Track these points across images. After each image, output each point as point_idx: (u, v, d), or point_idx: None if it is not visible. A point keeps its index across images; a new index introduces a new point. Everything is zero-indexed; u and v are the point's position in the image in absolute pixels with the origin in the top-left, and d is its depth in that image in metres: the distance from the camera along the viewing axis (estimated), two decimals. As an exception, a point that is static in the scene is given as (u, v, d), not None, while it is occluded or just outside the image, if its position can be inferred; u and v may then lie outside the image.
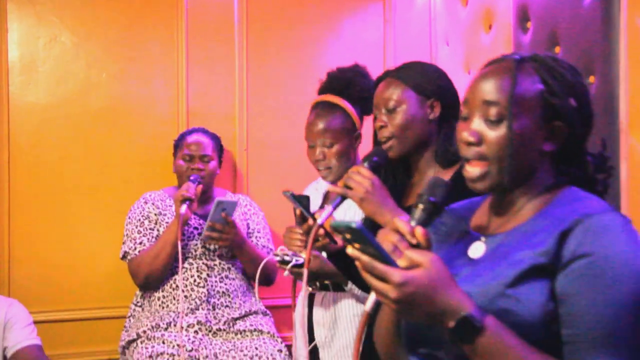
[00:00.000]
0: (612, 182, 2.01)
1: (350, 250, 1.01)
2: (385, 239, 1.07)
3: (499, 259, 1.11)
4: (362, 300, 2.05)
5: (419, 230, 1.07)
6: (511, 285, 1.04)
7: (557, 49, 2.30)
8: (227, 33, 3.01)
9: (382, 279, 0.99)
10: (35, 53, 2.81)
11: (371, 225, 1.65)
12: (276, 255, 1.95)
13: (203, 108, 2.97)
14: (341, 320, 2.08)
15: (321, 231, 1.71)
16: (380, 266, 0.98)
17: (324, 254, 1.90)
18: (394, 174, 1.81)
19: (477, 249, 1.17)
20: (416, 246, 1.06)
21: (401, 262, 1.01)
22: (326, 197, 2.27)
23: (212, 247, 2.59)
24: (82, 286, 2.82)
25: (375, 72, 2.02)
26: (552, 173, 1.17)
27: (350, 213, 2.05)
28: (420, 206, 1.11)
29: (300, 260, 1.88)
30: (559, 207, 1.12)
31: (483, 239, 1.18)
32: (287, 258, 1.92)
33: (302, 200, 1.87)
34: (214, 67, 2.99)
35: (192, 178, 2.53)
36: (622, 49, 2.09)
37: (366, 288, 1.78)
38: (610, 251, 1.02)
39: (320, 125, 2.11)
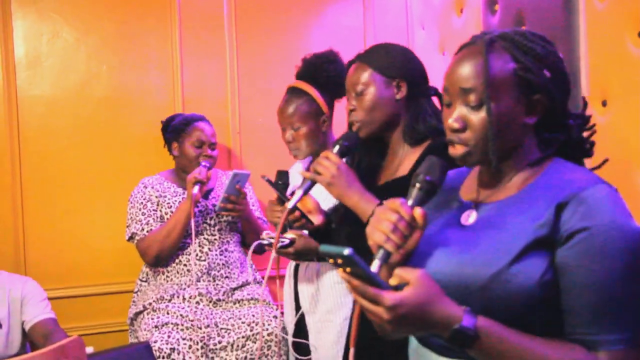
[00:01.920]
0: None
1: (340, 273, 0.99)
2: (385, 219, 1.07)
3: (497, 229, 1.10)
4: None
5: (418, 211, 1.07)
6: (515, 260, 1.04)
7: (523, 29, 2.36)
8: (218, 23, 3.05)
9: (374, 301, 0.98)
10: (39, 49, 2.85)
11: (345, 210, 1.68)
12: (262, 239, 2.01)
13: (197, 95, 3.01)
14: (323, 288, 2.13)
15: (297, 213, 1.74)
16: (371, 290, 0.97)
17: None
18: (369, 154, 1.81)
19: (469, 217, 1.17)
20: (413, 227, 1.07)
21: (392, 281, 1.00)
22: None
23: (212, 222, 2.65)
24: (92, 264, 2.88)
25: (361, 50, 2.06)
26: (537, 143, 1.16)
27: (324, 195, 2.07)
28: (418, 185, 1.11)
29: (286, 242, 1.94)
30: (547, 179, 1.12)
31: (474, 206, 1.17)
32: (273, 241, 1.98)
33: (282, 178, 1.95)
34: (206, 56, 3.04)
35: (203, 163, 2.58)
36: (582, 29, 2.15)
37: None
38: (607, 224, 1.02)
39: (288, 110, 2.18)
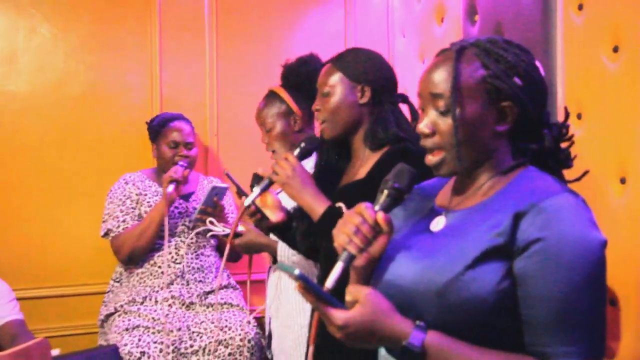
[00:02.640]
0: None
1: (297, 287, 1.02)
2: (350, 221, 1.09)
3: (458, 236, 1.10)
4: None
5: (380, 216, 1.09)
6: (471, 266, 1.04)
7: (502, 40, 2.37)
8: (198, 24, 3.03)
9: (327, 319, 1.02)
10: (16, 44, 2.80)
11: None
12: (210, 229, 2.14)
13: (175, 95, 2.99)
14: (286, 292, 2.15)
15: (253, 208, 1.80)
16: (323, 308, 1.01)
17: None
18: (338, 157, 1.84)
19: (437, 223, 1.17)
20: (377, 231, 1.09)
21: (347, 297, 1.03)
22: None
23: (190, 225, 2.63)
24: (63, 264, 2.83)
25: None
26: (510, 152, 1.16)
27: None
28: (385, 192, 1.12)
29: (225, 232, 2.04)
30: (514, 188, 1.11)
31: (444, 213, 1.18)
32: (216, 228, 2.05)
33: (258, 181, 1.98)
34: (185, 56, 3.01)
35: (180, 163, 2.57)
36: (559, 41, 2.16)
37: (306, 254, 1.85)
38: (564, 234, 1.00)
39: (261, 114, 2.29)
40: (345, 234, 1.09)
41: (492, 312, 1.03)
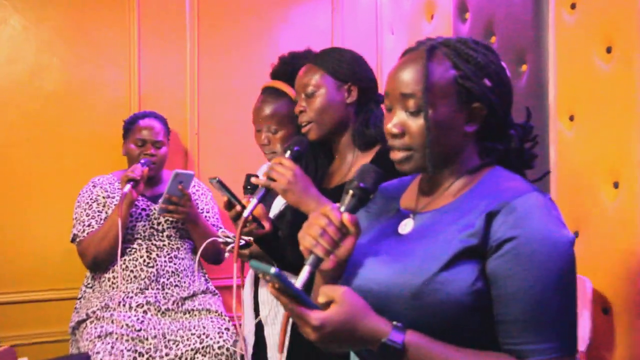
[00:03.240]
0: (542, 163, 2.13)
1: (270, 289, 1.02)
2: (315, 223, 1.10)
3: (429, 238, 1.13)
4: None
5: (346, 217, 1.10)
6: (444, 268, 1.06)
7: (493, 39, 2.40)
8: (179, 17, 3.02)
9: (302, 320, 1.02)
10: (-17, 36, 2.77)
11: (296, 214, 1.69)
12: (218, 236, 2.00)
13: (155, 92, 2.97)
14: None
15: (250, 218, 1.72)
16: (298, 309, 1.01)
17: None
18: (316, 158, 1.84)
19: (406, 226, 1.20)
20: (344, 233, 1.10)
21: (320, 299, 1.03)
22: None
23: (160, 227, 2.62)
24: (33, 269, 2.80)
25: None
26: (477, 152, 1.20)
27: (282, 201, 2.08)
28: (350, 192, 1.14)
29: (243, 242, 1.92)
30: (483, 187, 1.15)
31: (412, 215, 1.21)
32: (229, 240, 1.97)
33: (250, 181, 1.93)
34: (165, 51, 3.00)
35: (141, 161, 2.55)
36: (551, 41, 2.19)
37: (289, 269, 1.82)
38: (535, 233, 1.04)
39: (266, 111, 2.16)
40: (311, 237, 1.10)
41: (466, 312, 1.06)
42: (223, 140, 3.03)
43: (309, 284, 1.09)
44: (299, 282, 1.06)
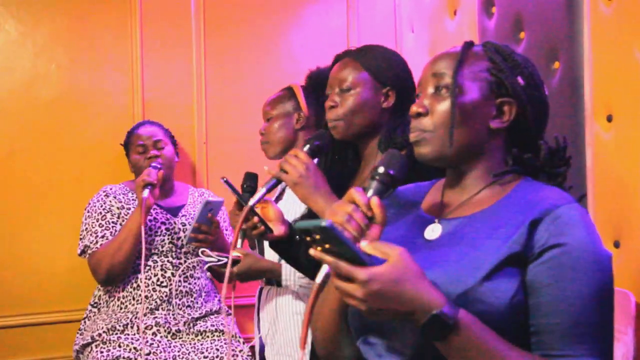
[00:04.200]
0: (579, 168, 2.10)
1: (312, 251, 1.01)
2: (341, 209, 1.10)
3: (464, 245, 1.14)
4: (303, 298, 2.11)
5: (375, 201, 1.10)
6: (487, 277, 1.08)
7: (522, 35, 2.39)
8: (184, 19, 3.04)
9: (348, 278, 0.99)
10: (-22, 43, 2.80)
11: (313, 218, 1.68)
12: (201, 257, 2.06)
13: (159, 99, 2.99)
14: (282, 317, 2.14)
15: (255, 219, 1.74)
16: (345, 266, 0.99)
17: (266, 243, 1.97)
18: (344, 159, 1.85)
19: (433, 231, 1.22)
20: (371, 218, 1.10)
21: (368, 249, 1.02)
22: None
23: (179, 242, 2.63)
24: (34, 289, 2.82)
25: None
26: (503, 155, 1.23)
27: (289, 206, 2.12)
28: (377, 178, 1.15)
29: (224, 260, 1.98)
30: (519, 196, 1.18)
31: (437, 220, 1.23)
32: (212, 259, 2.02)
33: (249, 180, 2.06)
34: (170, 55, 3.02)
35: (153, 164, 2.56)
36: (586, 35, 2.18)
37: (305, 272, 1.83)
38: (580, 243, 1.08)
39: (269, 102, 2.34)
40: (337, 223, 1.08)
41: (504, 324, 1.07)
42: (233, 149, 3.03)
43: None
44: (322, 273, 1.04)
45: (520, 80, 1.21)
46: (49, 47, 2.88)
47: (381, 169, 1.16)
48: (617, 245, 2.00)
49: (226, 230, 2.74)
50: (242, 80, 3.07)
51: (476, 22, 2.44)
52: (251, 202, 1.63)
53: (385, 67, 1.76)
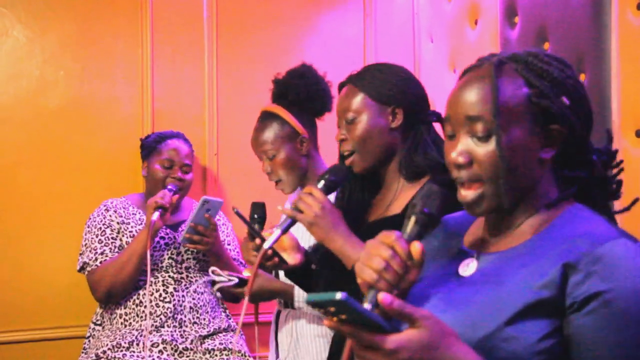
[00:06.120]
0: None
1: (327, 322, 0.98)
2: (377, 254, 1.06)
3: (493, 284, 1.10)
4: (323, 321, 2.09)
5: (417, 247, 1.06)
6: (509, 322, 1.03)
7: (546, 45, 2.38)
8: (196, 25, 3.05)
9: (372, 347, 0.97)
10: (-16, 49, 2.83)
11: (326, 249, 1.69)
12: (211, 276, 2.06)
13: (170, 108, 3.00)
14: (303, 340, 2.14)
15: (269, 251, 1.73)
16: (367, 336, 0.96)
17: (281, 272, 1.97)
18: (362, 187, 1.83)
19: (468, 267, 1.17)
20: (409, 265, 1.06)
21: (392, 313, 0.98)
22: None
23: (180, 258, 2.62)
24: (36, 304, 2.81)
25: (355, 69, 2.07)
26: (554, 181, 1.16)
27: (307, 235, 2.09)
28: (413, 218, 1.10)
29: (233, 281, 1.98)
30: (560, 229, 1.11)
31: (475, 255, 1.17)
32: (222, 278, 2.02)
33: (257, 210, 2.01)
34: (181, 64, 3.03)
35: (169, 187, 2.57)
36: (614, 45, 2.16)
37: None
38: (628, 288, 1.00)
39: (260, 138, 2.24)
40: (373, 270, 1.05)
41: None
42: (245, 161, 3.01)
43: None
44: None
45: (564, 99, 1.12)
46: (57, 54, 2.90)
47: (417, 208, 1.10)
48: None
49: (229, 244, 2.73)
50: (256, 91, 3.06)
51: (498, 32, 2.43)
52: (266, 244, 1.61)
53: (385, 86, 1.74)
